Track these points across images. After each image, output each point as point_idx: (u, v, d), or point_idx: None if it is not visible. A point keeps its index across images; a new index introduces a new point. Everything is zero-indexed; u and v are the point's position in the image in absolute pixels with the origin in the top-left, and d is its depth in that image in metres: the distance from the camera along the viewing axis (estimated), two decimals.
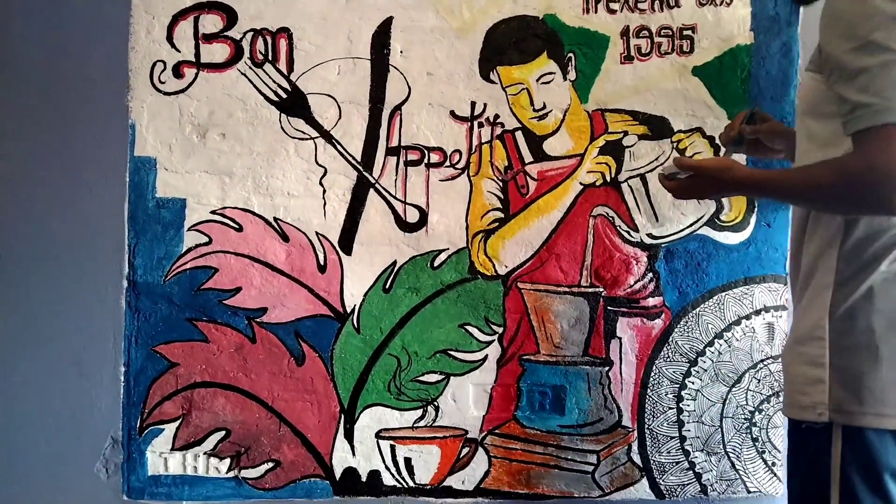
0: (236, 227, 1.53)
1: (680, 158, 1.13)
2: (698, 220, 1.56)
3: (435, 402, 1.56)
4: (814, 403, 0.99)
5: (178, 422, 1.54)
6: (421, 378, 1.56)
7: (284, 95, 1.51)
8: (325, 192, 1.53)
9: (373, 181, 1.54)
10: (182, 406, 1.53)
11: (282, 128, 1.52)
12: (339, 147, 1.53)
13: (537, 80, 1.52)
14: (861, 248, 0.98)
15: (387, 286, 1.55)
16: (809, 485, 1.01)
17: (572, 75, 1.54)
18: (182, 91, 1.51)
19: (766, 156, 1.35)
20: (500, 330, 1.56)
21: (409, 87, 1.53)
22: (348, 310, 1.54)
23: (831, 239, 1.00)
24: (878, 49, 0.88)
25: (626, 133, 1.54)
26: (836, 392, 0.98)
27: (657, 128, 1.54)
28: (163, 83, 1.51)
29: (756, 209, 1.58)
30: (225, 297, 1.53)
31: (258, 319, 1.53)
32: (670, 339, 1.57)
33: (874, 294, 0.97)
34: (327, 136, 1.52)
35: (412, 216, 1.54)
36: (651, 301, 1.57)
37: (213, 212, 1.52)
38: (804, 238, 1.06)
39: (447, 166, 1.54)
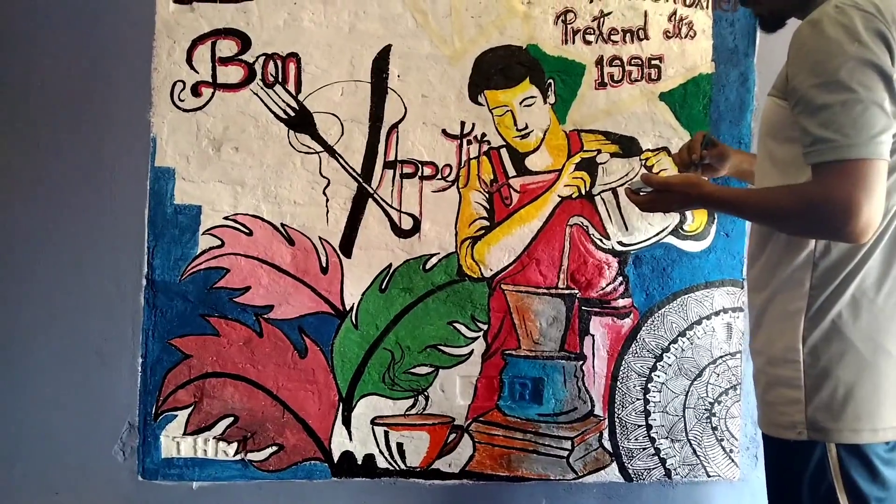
0: (247, 231, 1.60)
1: (649, 175, 1.17)
2: (664, 229, 1.64)
3: (425, 392, 1.62)
4: (793, 423, 0.99)
5: (191, 409, 1.59)
6: (413, 370, 1.62)
7: (292, 113, 1.58)
8: (328, 200, 1.60)
9: (371, 191, 1.60)
10: (194, 394, 1.59)
11: (289, 143, 1.59)
12: (341, 160, 1.60)
13: (520, 103, 1.60)
14: (834, 271, 0.98)
15: (383, 286, 1.61)
16: (790, 493, 1.02)
17: (552, 99, 1.62)
18: (199, 108, 1.58)
19: (714, 175, 1.39)
20: (485, 327, 1.63)
21: (406, 108, 1.60)
22: (348, 307, 1.60)
23: (803, 262, 1.00)
24: (841, 88, 0.89)
25: (599, 151, 1.62)
26: (812, 412, 0.98)
27: (627, 147, 1.63)
28: (182, 101, 1.58)
29: (716, 220, 1.68)
30: (235, 295, 1.59)
31: (265, 316, 1.60)
32: (638, 336, 1.65)
33: (845, 318, 0.98)
34: (331, 151, 1.59)
35: (406, 223, 1.61)
36: (621, 302, 1.65)
37: (225, 217, 1.59)
38: (768, 255, 1.05)
39: (439, 179, 1.61)
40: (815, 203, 0.93)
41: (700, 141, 1.31)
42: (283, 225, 1.60)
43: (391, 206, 1.60)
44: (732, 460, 1.70)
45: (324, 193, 1.60)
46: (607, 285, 1.64)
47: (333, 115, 1.59)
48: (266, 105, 1.58)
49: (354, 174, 1.60)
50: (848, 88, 0.89)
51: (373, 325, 1.61)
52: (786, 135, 1.01)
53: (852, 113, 0.89)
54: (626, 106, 1.63)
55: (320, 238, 1.60)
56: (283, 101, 1.58)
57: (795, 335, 1.00)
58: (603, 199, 1.63)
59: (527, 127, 1.61)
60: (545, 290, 1.62)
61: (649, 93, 1.63)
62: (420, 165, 1.61)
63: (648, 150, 1.64)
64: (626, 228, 1.63)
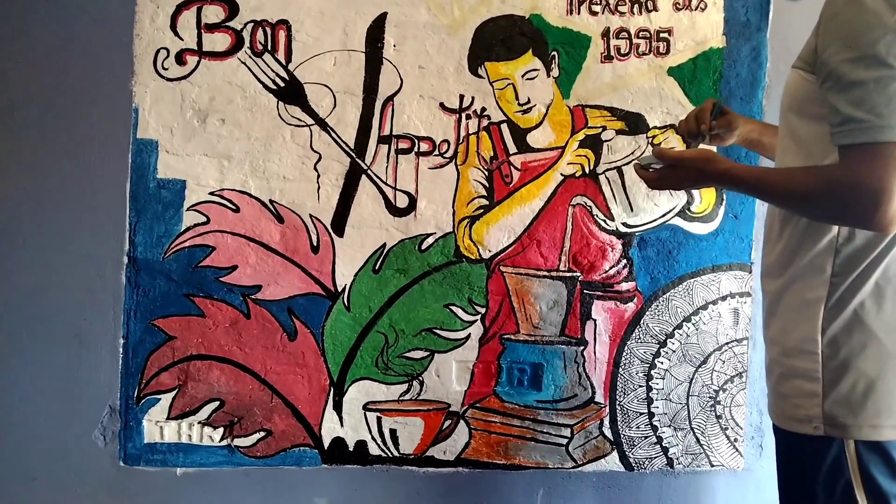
0: (233, 208, 1.55)
1: (661, 149, 1.10)
2: (670, 210, 1.59)
3: (420, 377, 1.59)
4: (808, 417, 0.95)
5: (175, 392, 1.55)
6: (407, 354, 1.59)
7: (282, 84, 1.53)
8: (319, 176, 1.55)
9: (365, 167, 1.55)
10: (178, 377, 1.55)
11: (279, 115, 1.53)
12: (333, 134, 1.54)
13: (523, 76, 1.55)
14: (857, 257, 0.93)
15: (376, 267, 1.57)
16: (803, 489, 0.98)
17: (556, 72, 1.57)
18: (184, 77, 1.52)
19: (720, 145, 1.32)
20: (483, 310, 1.59)
21: (402, 80, 1.55)
22: (339, 289, 1.56)
23: (825, 248, 0.95)
24: (877, 63, 0.83)
25: (604, 128, 1.57)
26: (830, 406, 0.94)
27: (634, 123, 1.58)
28: (166, 69, 1.52)
29: (724, 201, 1.62)
30: (221, 274, 1.55)
31: (253, 296, 1.55)
32: (642, 321, 1.61)
33: (868, 307, 0.93)
34: (322, 124, 1.54)
35: (402, 201, 1.57)
36: (624, 286, 1.61)
37: (211, 193, 1.53)
38: (787, 240, 1.00)
39: (436, 155, 1.56)
40: (842, 188, 0.87)
41: (710, 109, 1.24)
42: (271, 201, 1.54)
43: (386, 184, 1.56)
44: (737, 450, 1.67)
45: (315, 169, 1.55)
46: (610, 268, 1.60)
47: (325, 86, 1.54)
48: (254, 75, 1.52)
49: (347, 149, 1.55)
50: (885, 64, 0.82)
51: (366, 307, 1.57)
52: (811, 111, 0.94)
53: (887, 91, 0.83)
54: (633, 80, 1.58)
55: (311, 216, 1.55)
56: (273, 70, 1.52)
57: (814, 325, 0.95)
58: (607, 178, 1.59)
59: (529, 101, 1.56)
60: (546, 273, 1.58)
61: (657, 67, 1.58)
62: (416, 140, 1.56)
63: (655, 127, 1.59)
64: (631, 209, 1.59)
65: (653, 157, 1.13)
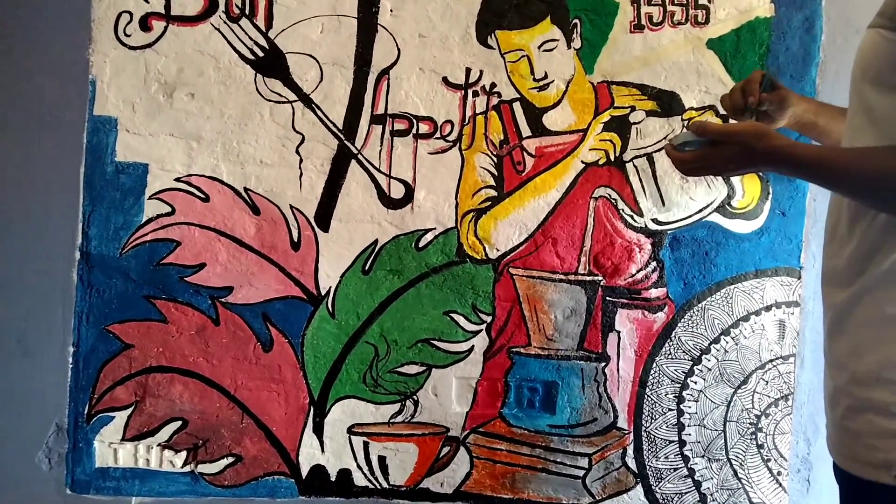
0: (202, 196, 1.44)
1: (702, 123, 0.97)
2: (708, 205, 1.48)
3: (414, 396, 1.49)
4: (887, 462, 0.83)
5: (131, 409, 1.45)
6: (400, 369, 1.48)
7: (261, 54, 1.43)
8: (301, 161, 1.45)
9: (355, 151, 1.45)
10: (135, 392, 1.45)
11: (257, 89, 1.43)
12: (318, 112, 1.45)
13: (539, 47, 1.44)
14: None
15: (366, 267, 1.47)
16: None
17: (577, 43, 1.46)
18: (149, 45, 1.42)
19: (770, 126, 1.19)
20: (489, 319, 1.49)
21: (399, 50, 1.44)
22: (323, 292, 1.46)
23: None
24: None
25: (633, 108, 1.46)
26: None
27: (667, 104, 1.47)
28: (128, 36, 1.41)
29: (770, 196, 1.50)
30: (187, 273, 1.44)
31: (223, 299, 1.45)
32: (673, 334, 1.50)
33: None
34: (306, 100, 1.44)
35: (397, 191, 1.46)
36: (654, 292, 1.49)
37: (177, 179, 1.43)
38: (859, 240, 0.89)
39: (437, 138, 1.46)
40: None
41: (759, 81, 1.12)
42: (246, 189, 1.44)
43: (378, 170, 1.45)
44: (780, 485, 1.54)
45: (297, 152, 1.44)
46: (638, 272, 1.49)
47: (311, 56, 1.43)
48: (229, 43, 1.42)
49: (335, 129, 1.45)
50: None
51: (353, 314, 1.46)
52: (893, 80, 0.83)
53: None
54: (666, 54, 1.46)
55: (292, 207, 1.45)
56: (251, 38, 1.42)
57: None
58: (636, 167, 1.47)
59: (546, 76, 1.45)
60: (562, 276, 1.47)
61: (695, 39, 1.46)
62: (415, 121, 1.45)
63: (692, 108, 1.47)
64: (663, 203, 1.47)
65: (689, 136, 0.98)
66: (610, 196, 1.48)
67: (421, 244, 1.47)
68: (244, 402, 1.46)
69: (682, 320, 1.50)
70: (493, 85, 1.45)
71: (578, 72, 1.46)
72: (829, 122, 1.11)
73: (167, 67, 1.41)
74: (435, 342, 1.48)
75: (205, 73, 1.42)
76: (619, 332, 1.49)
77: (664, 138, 1.46)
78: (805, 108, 1.15)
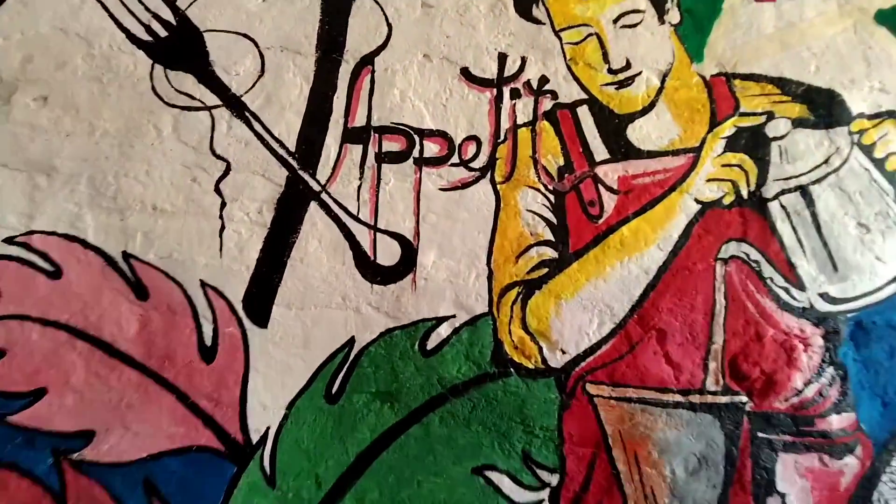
0: (49, 269, 1.04)
1: None
2: None
3: None
4: None
5: None
6: None
7: (164, 33, 1.10)
8: (223, 205, 1.06)
9: (317, 188, 1.06)
10: None
11: (153, 87, 1.08)
12: (255, 125, 1.07)
13: (614, 22, 1.11)
14: None
15: (333, 390, 1.06)
16: None
17: (674, 17, 1.13)
18: None
19: None
20: (554, 480, 1.06)
21: (389, 27, 1.10)
22: (254, 439, 1.04)
23: None
24: None
25: (770, 115, 1.11)
26: None
27: (824, 107, 1.10)
28: None
29: None
30: (12, 407, 1.02)
31: (74, 455, 1.02)
32: (875, 493, 1.07)
33: None
34: (236, 105, 1.07)
35: (387, 253, 1.07)
36: (835, 421, 1.06)
37: (8, 240, 1.05)
38: None
39: (454, 164, 1.09)
40: None
41: None
42: (127, 256, 1.05)
43: (356, 218, 1.06)
44: None
45: (216, 191, 1.07)
46: (806, 385, 1.07)
47: (245, 36, 1.08)
48: (112, 16, 1.08)
49: (282, 152, 1.07)
50: None
51: (308, 479, 1.04)
52: None
53: None
54: (814, 32, 1.14)
55: (204, 285, 1.06)
56: (148, 8, 1.08)
57: None
58: (784, 208, 1.08)
59: (628, 66, 1.10)
60: (680, 398, 1.06)
61: (856, 11, 1.13)
62: (416, 137, 1.09)
63: (862, 114, 1.09)
64: (835, 267, 1.08)
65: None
66: (748, 257, 1.09)
67: (429, 345, 1.06)
68: None
69: (889, 467, 1.07)
70: (543, 80, 1.10)
71: (680, 59, 1.12)
72: None
73: (6, 56, 1.05)
74: None
75: (67, 63, 1.06)
76: (783, 496, 1.04)
77: (825, 161, 1.07)
78: None
